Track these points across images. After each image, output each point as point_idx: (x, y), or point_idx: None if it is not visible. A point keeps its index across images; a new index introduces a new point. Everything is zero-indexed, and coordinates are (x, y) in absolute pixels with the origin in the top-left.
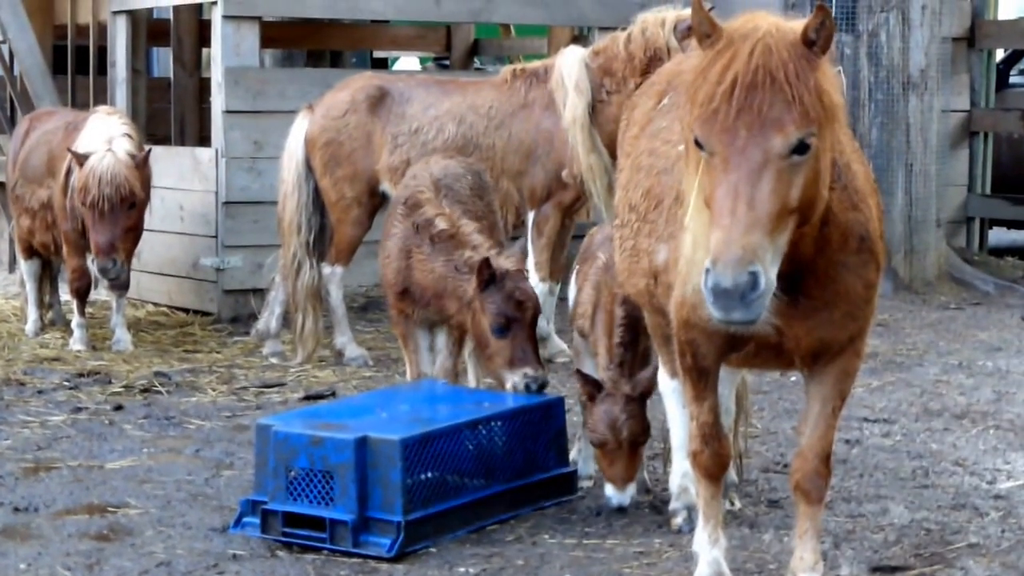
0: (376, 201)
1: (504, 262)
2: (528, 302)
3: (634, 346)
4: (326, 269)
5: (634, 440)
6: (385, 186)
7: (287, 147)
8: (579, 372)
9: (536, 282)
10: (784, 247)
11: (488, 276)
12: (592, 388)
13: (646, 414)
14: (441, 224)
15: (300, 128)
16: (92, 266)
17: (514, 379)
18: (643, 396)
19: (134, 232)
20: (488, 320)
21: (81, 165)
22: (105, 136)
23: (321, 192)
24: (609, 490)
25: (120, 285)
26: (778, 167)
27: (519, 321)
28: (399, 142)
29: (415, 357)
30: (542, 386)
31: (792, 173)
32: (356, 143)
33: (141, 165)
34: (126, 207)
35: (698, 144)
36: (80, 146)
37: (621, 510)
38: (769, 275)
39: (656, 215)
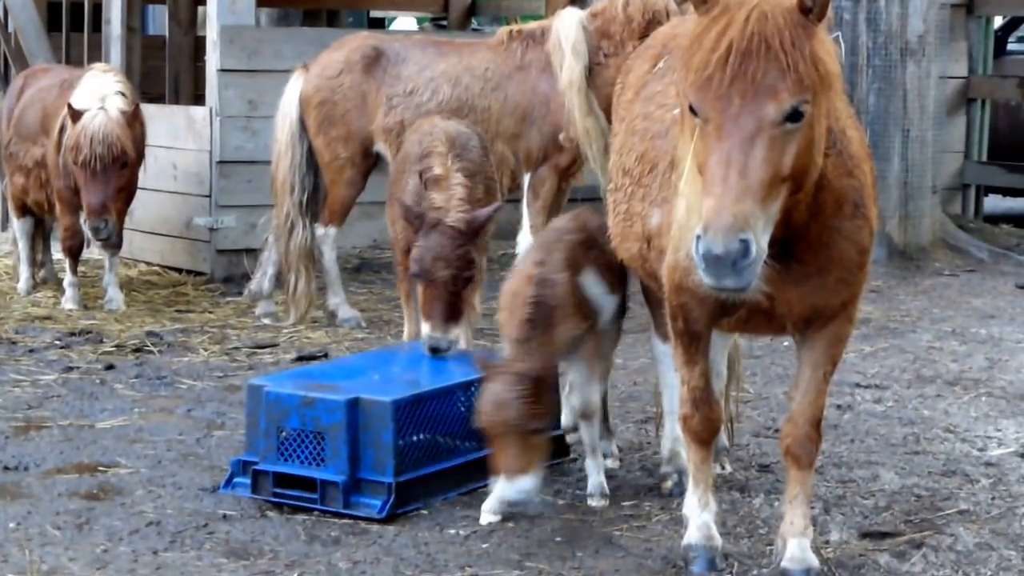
0: (370, 162)
1: (447, 216)
2: (436, 260)
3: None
4: (319, 230)
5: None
6: (379, 147)
7: (281, 106)
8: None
9: None
10: (776, 215)
11: (416, 222)
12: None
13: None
14: (437, 170)
15: (295, 87)
16: (84, 226)
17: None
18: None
19: (126, 192)
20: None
21: (76, 121)
22: (99, 94)
23: (315, 152)
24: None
25: (112, 245)
26: (771, 135)
27: (425, 276)
28: (394, 103)
29: (413, 316)
30: (435, 349)
31: (785, 141)
32: (350, 103)
33: (131, 120)
34: (118, 167)
35: (692, 110)
36: (75, 103)
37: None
38: (760, 243)
39: (650, 179)
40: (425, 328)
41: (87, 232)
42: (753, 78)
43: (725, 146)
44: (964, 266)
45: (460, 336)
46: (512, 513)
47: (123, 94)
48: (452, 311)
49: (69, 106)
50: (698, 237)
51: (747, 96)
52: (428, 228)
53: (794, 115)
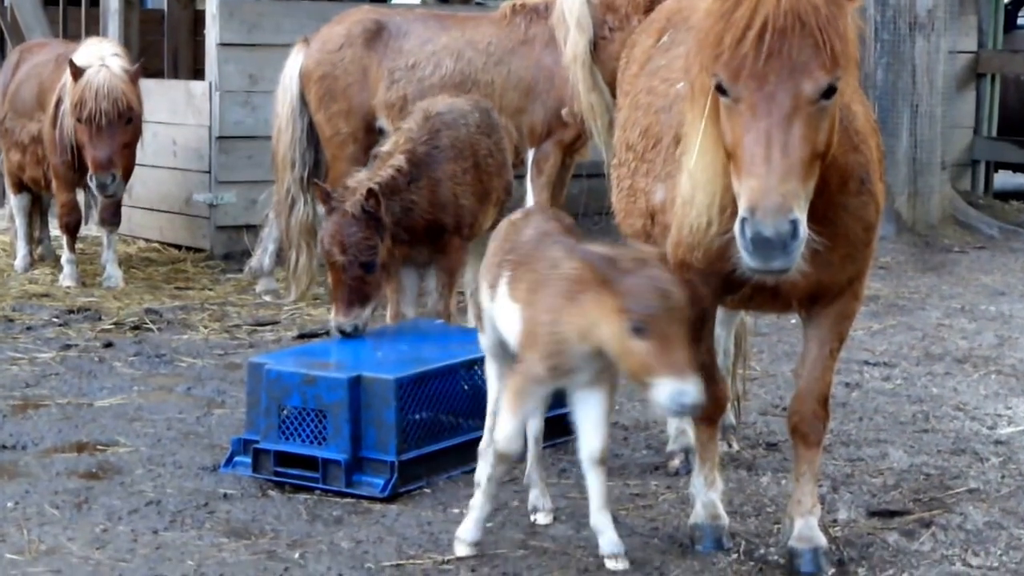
0: (372, 137)
1: (353, 197)
2: (333, 245)
3: None
4: (320, 206)
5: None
6: (381, 122)
7: (282, 81)
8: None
9: None
10: (812, 193)
11: (324, 201)
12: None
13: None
14: (385, 148)
15: (295, 62)
16: (91, 182)
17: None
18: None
19: (130, 148)
20: None
21: (77, 79)
22: (98, 54)
23: (316, 127)
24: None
25: (114, 206)
26: (808, 112)
27: (330, 260)
28: (396, 77)
29: (396, 297)
30: (343, 332)
31: (820, 118)
32: (352, 78)
33: (135, 77)
34: (123, 122)
35: (720, 89)
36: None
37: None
38: (804, 222)
39: (654, 154)
40: (332, 311)
41: (93, 189)
42: (789, 56)
43: (763, 125)
44: (974, 243)
45: (367, 316)
46: (520, 490)
47: (120, 56)
48: (356, 295)
49: (70, 63)
50: (743, 220)
51: (783, 74)
52: (330, 211)
53: (829, 92)
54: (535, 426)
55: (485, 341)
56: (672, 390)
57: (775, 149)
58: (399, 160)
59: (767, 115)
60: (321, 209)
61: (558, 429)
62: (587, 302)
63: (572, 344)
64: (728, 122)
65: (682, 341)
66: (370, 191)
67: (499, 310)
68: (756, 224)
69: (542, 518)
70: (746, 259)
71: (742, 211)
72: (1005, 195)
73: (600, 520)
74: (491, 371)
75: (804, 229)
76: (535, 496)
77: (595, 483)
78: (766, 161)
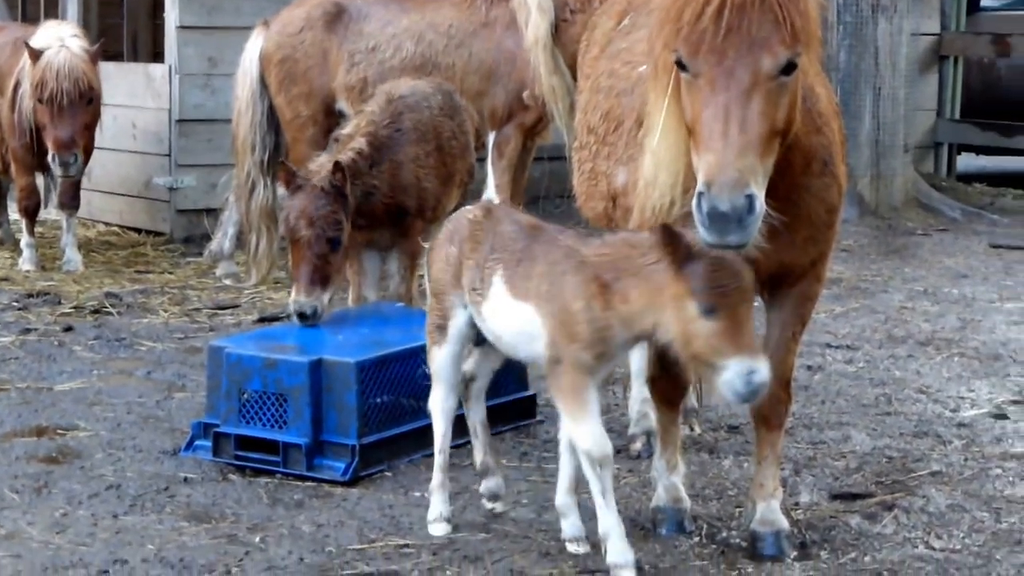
0: (332, 120)
1: (317, 177)
2: (299, 219)
3: None
4: (281, 189)
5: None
6: (342, 104)
7: (242, 64)
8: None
9: None
10: (771, 169)
11: (289, 183)
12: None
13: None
14: (346, 130)
15: (255, 45)
16: (52, 162)
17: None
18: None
19: (91, 130)
20: None
21: (36, 60)
22: (56, 35)
23: (276, 110)
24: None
25: (73, 189)
26: (767, 88)
27: (290, 235)
28: (356, 60)
29: (358, 280)
30: (301, 315)
31: (780, 94)
32: (312, 60)
33: (94, 58)
34: (84, 102)
35: (680, 65)
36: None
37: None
38: (762, 198)
39: (615, 137)
40: (293, 291)
41: (55, 169)
42: (748, 31)
43: (721, 100)
44: (937, 225)
45: (327, 300)
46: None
47: (78, 37)
48: (318, 275)
49: (27, 46)
50: (700, 194)
51: (742, 49)
52: (295, 188)
53: (788, 67)
54: (479, 413)
55: (447, 349)
56: (745, 369)
57: (733, 124)
58: (361, 143)
59: (726, 90)
60: (282, 192)
61: (517, 412)
62: (640, 287)
63: (616, 331)
64: (688, 98)
65: (750, 321)
66: (337, 165)
67: (494, 311)
68: (712, 198)
69: (500, 507)
70: (703, 234)
71: (699, 185)
72: (968, 177)
73: (566, 502)
74: (445, 373)
75: (761, 204)
76: (493, 484)
77: (569, 465)
78: (724, 136)
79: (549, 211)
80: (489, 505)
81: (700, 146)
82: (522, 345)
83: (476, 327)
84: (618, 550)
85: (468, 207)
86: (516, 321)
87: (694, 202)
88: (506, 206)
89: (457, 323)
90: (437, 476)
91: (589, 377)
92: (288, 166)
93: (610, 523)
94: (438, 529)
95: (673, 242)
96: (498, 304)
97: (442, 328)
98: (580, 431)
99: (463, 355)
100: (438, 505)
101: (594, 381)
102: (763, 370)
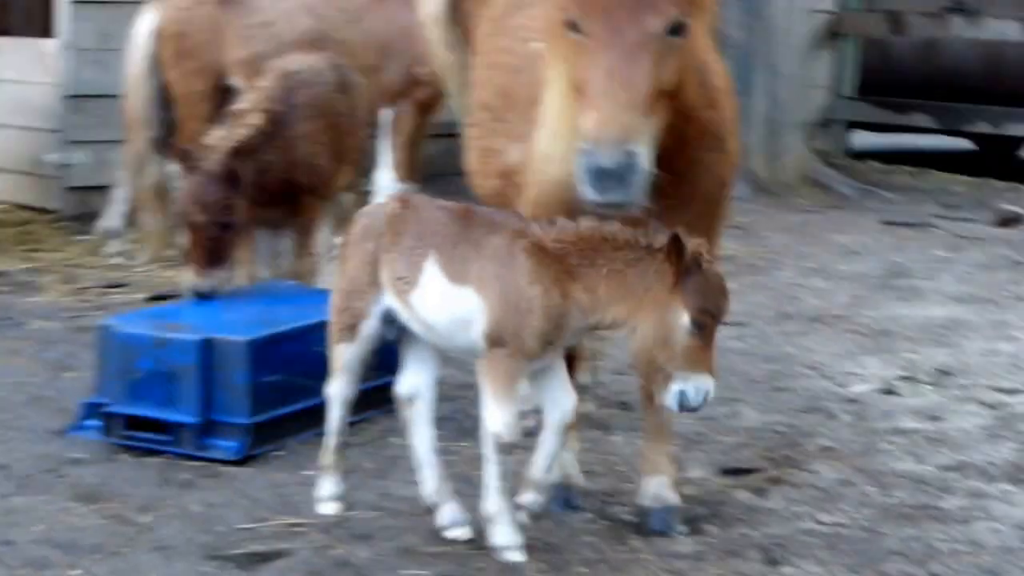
0: (225, 96)
1: (214, 155)
2: (192, 205)
3: None
4: (172, 166)
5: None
6: (234, 80)
7: (134, 39)
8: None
9: (391, 182)
10: (658, 131)
11: (185, 162)
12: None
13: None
14: (241, 105)
15: (148, 20)
16: None
17: None
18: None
19: None
20: None
21: None
22: None
23: (168, 86)
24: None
25: None
26: (655, 47)
27: (188, 220)
28: (249, 35)
29: (250, 257)
30: (200, 294)
31: (667, 54)
32: (205, 35)
33: None
34: None
35: (570, 26)
36: None
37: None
38: (646, 156)
39: (509, 114)
40: (188, 274)
41: None
42: None
43: (608, 58)
44: (829, 202)
45: (225, 280)
46: (375, 451)
47: None
48: (214, 256)
49: None
50: (583, 151)
51: (631, 8)
52: (190, 170)
53: (675, 28)
54: (425, 438)
55: (355, 350)
56: (704, 387)
57: (618, 82)
58: (255, 118)
59: (613, 48)
60: (174, 168)
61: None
62: (613, 281)
63: (573, 320)
64: (577, 58)
65: (714, 342)
66: (232, 149)
67: (425, 298)
68: (595, 155)
69: (467, 532)
70: (586, 192)
71: (583, 143)
72: (861, 155)
73: (542, 478)
74: (350, 368)
75: (645, 163)
76: (448, 514)
77: (552, 447)
78: (608, 93)
79: (444, 189)
80: (453, 534)
81: (586, 105)
82: (457, 332)
83: (391, 325)
84: (506, 532)
85: (382, 200)
86: (452, 306)
87: (577, 159)
88: (423, 195)
89: (370, 323)
90: (329, 458)
91: (526, 364)
92: (184, 147)
93: (502, 506)
94: (328, 508)
95: (681, 251)
96: (431, 290)
97: (353, 328)
98: (498, 415)
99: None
100: (329, 485)
101: (531, 368)
102: (712, 389)
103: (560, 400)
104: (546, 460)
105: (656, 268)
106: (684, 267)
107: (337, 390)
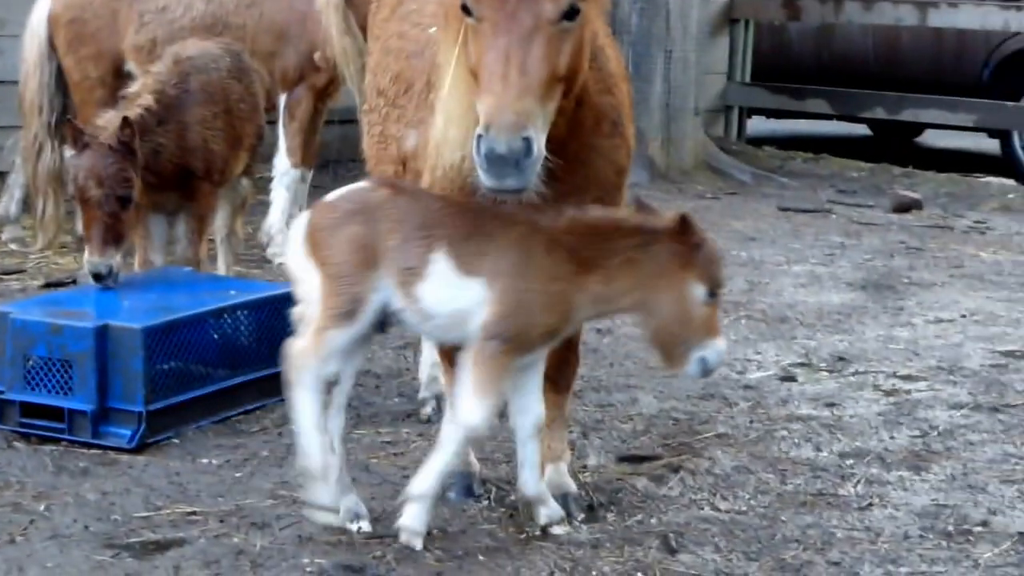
0: (121, 82)
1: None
2: (85, 179)
3: None
4: (68, 152)
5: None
6: (131, 66)
7: (30, 24)
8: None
9: (288, 168)
10: (552, 116)
11: (75, 140)
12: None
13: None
14: (132, 88)
15: (44, 5)
16: None
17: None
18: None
19: None
20: None
21: None
22: None
23: (64, 72)
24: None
25: None
26: (549, 32)
27: (84, 196)
28: (145, 20)
29: (144, 244)
30: (96, 275)
31: (562, 39)
32: (101, 21)
33: None
34: None
35: (466, 10)
36: None
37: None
38: (540, 142)
39: (406, 100)
40: (86, 252)
41: None
42: None
43: (503, 43)
44: (726, 188)
45: (121, 259)
46: (271, 439)
47: None
48: (110, 234)
49: None
50: (479, 136)
51: None
52: (83, 146)
53: (570, 13)
54: (338, 424)
55: (350, 332)
56: (721, 349)
57: (513, 67)
58: (148, 99)
59: (507, 33)
60: (69, 154)
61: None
62: (630, 268)
63: (582, 310)
64: (473, 43)
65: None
66: (125, 120)
67: (435, 290)
68: (490, 140)
69: (366, 525)
70: (482, 177)
71: (479, 128)
72: (758, 141)
73: (542, 489)
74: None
75: (540, 148)
76: (351, 504)
77: (535, 456)
78: (503, 79)
79: (341, 175)
80: (355, 526)
81: (481, 90)
82: (455, 325)
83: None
84: (418, 515)
85: (360, 184)
86: (458, 298)
87: (473, 145)
88: (404, 181)
89: (371, 307)
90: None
91: (518, 360)
92: (75, 124)
93: (429, 490)
94: (359, 525)
95: (694, 230)
96: (439, 282)
97: (350, 314)
98: (477, 408)
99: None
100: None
101: (524, 361)
102: (725, 348)
103: (531, 406)
104: (534, 471)
105: (664, 249)
106: (695, 242)
107: (318, 376)
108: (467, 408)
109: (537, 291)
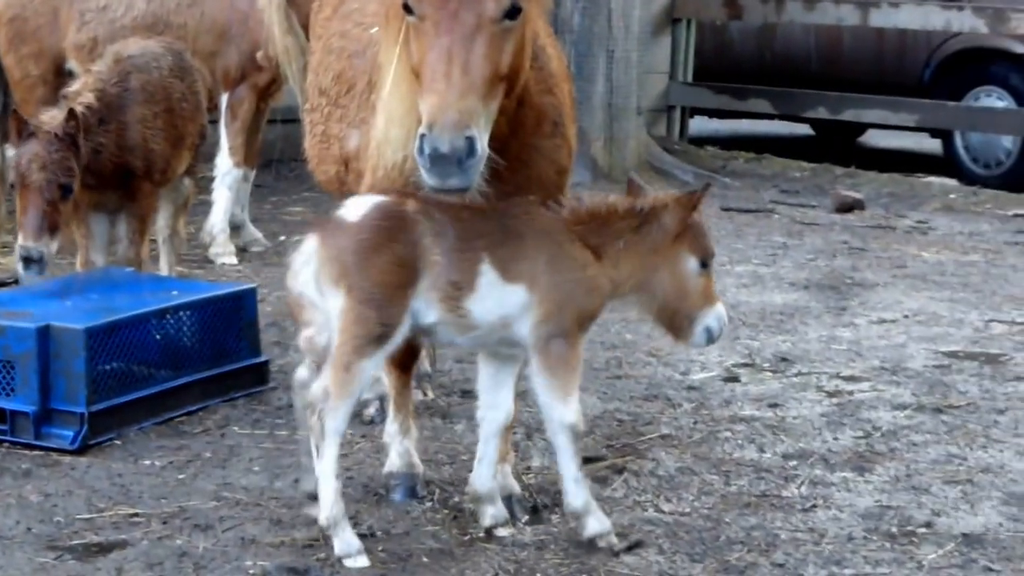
0: (62, 80)
1: (52, 123)
2: (31, 163)
3: None
4: (9, 151)
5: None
6: (72, 64)
7: None
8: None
9: (230, 167)
10: (494, 114)
11: (18, 129)
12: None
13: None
14: (73, 87)
15: None
16: None
17: None
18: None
19: None
20: None
21: None
22: None
23: (5, 70)
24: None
25: None
26: (491, 31)
27: (21, 181)
28: (86, 19)
29: (86, 244)
30: (27, 259)
31: (504, 38)
32: (42, 19)
33: None
34: None
35: (407, 9)
36: None
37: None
38: (483, 141)
39: (348, 100)
40: (19, 238)
41: None
42: None
43: (445, 42)
44: (669, 188)
45: (55, 247)
46: (214, 440)
47: None
48: (48, 221)
49: None
50: (422, 136)
51: None
52: (27, 136)
53: (512, 12)
54: None
55: (383, 353)
56: (722, 314)
57: (455, 66)
58: (89, 97)
59: (449, 32)
60: (11, 153)
61: (250, 379)
62: (632, 251)
63: (607, 297)
64: (415, 42)
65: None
66: (71, 112)
67: (483, 300)
68: (433, 139)
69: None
70: (425, 177)
71: (422, 128)
72: (700, 140)
73: (493, 488)
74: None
75: (483, 147)
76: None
77: (495, 454)
78: (446, 78)
79: (283, 174)
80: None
81: (424, 89)
82: (496, 331)
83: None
84: (600, 519)
85: (379, 199)
86: (505, 305)
87: (415, 144)
88: (420, 190)
89: (405, 326)
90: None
91: (582, 346)
92: (19, 115)
93: (587, 498)
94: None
95: (690, 204)
96: (488, 293)
97: (383, 337)
98: (571, 407)
99: None
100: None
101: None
102: (725, 312)
103: (503, 403)
104: (491, 468)
105: (655, 227)
106: (688, 216)
107: (348, 416)
108: (565, 410)
109: (576, 280)
